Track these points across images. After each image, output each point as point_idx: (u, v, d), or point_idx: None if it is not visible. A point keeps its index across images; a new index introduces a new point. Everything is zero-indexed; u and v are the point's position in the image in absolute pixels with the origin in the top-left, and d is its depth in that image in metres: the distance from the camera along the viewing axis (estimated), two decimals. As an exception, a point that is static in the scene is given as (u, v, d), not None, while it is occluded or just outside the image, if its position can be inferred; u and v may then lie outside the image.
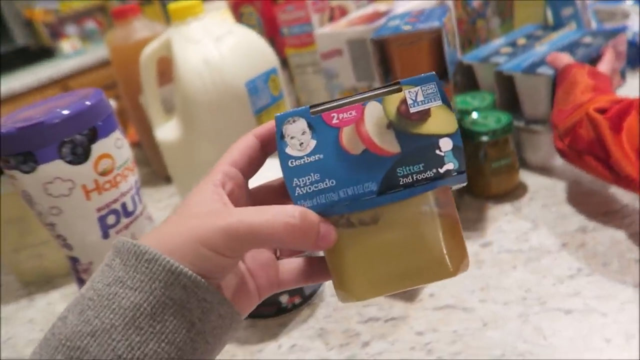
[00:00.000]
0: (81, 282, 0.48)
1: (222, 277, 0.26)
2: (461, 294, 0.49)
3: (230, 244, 0.25)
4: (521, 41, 0.73)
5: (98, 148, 0.44)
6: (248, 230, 0.25)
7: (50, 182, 0.43)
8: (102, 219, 0.45)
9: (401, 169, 0.26)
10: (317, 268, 0.30)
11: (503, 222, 0.58)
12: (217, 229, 0.25)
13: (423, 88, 0.26)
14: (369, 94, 0.27)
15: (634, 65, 0.82)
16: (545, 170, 0.65)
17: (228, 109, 0.65)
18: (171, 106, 0.75)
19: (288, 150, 0.27)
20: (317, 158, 0.26)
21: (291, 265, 0.31)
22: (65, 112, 0.42)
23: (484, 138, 0.59)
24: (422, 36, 0.53)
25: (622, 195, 0.57)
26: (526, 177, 0.65)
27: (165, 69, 0.70)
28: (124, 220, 0.47)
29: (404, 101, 0.26)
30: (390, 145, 0.26)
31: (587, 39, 0.68)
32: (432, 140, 0.26)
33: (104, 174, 0.45)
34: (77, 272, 0.48)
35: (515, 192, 0.62)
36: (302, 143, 0.27)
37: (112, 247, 0.26)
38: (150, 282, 0.24)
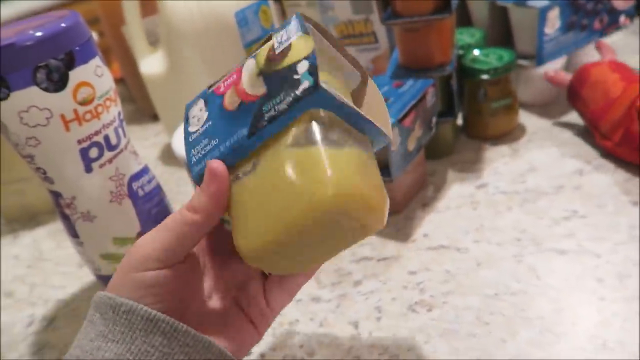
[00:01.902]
0: (65, 217, 0.47)
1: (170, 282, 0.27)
2: (455, 234, 0.49)
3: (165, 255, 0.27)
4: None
5: (76, 75, 0.41)
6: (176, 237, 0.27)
7: (25, 111, 0.40)
8: (83, 152, 0.43)
9: (266, 105, 0.27)
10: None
11: (500, 163, 0.57)
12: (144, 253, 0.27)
13: (288, 28, 0.27)
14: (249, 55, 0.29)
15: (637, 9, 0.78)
16: (542, 111, 0.63)
17: (216, 40, 0.61)
18: (156, 38, 0.71)
19: (190, 129, 0.29)
20: (207, 126, 0.29)
21: (280, 288, 0.31)
22: (39, 33, 0.39)
23: (485, 76, 0.56)
24: (426, -38, 0.49)
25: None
26: (524, 118, 0.63)
27: (149, -2, 0.66)
28: (108, 154, 0.45)
29: (272, 48, 0.27)
30: (259, 90, 0.27)
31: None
32: (291, 68, 0.26)
33: (83, 103, 0.42)
34: (60, 206, 0.46)
35: (513, 133, 0.61)
36: (199, 119, 0.29)
37: (92, 303, 0.27)
38: (130, 332, 0.25)
